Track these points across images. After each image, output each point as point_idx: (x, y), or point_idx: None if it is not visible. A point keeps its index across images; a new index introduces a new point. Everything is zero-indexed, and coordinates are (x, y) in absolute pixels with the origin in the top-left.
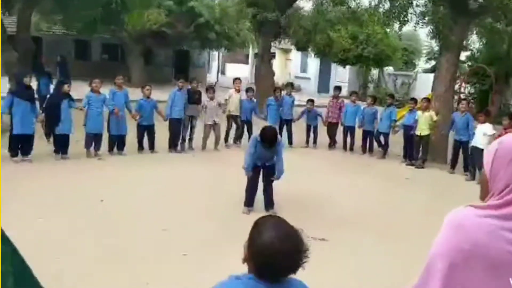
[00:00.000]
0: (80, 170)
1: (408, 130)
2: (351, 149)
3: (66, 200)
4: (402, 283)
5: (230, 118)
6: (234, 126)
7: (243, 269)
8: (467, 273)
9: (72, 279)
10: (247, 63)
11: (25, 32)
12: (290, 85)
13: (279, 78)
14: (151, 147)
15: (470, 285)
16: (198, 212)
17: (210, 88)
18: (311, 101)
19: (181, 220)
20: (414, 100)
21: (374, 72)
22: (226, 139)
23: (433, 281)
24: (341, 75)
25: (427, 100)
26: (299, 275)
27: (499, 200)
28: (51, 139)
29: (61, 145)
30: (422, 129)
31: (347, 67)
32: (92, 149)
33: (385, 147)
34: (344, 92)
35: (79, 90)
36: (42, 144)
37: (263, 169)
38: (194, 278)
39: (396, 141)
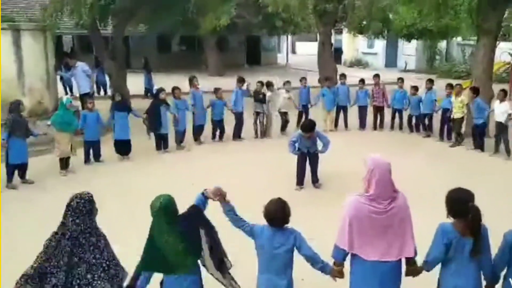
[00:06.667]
0: (176, 160)
1: (444, 112)
2: (400, 128)
3: (166, 184)
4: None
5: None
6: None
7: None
8: (357, 225)
9: None
10: (316, 40)
11: (118, 40)
12: (343, 76)
13: (347, 54)
14: (220, 137)
15: (360, 230)
16: (260, 189)
17: (287, 83)
18: (361, 81)
19: (246, 195)
20: (450, 85)
21: (442, 43)
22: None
23: (344, 229)
24: (408, 48)
25: (459, 86)
26: None
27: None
28: (152, 136)
29: (162, 142)
30: (455, 112)
31: (414, 40)
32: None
33: (429, 127)
34: (412, 66)
35: (159, 83)
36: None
37: (308, 156)
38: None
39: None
